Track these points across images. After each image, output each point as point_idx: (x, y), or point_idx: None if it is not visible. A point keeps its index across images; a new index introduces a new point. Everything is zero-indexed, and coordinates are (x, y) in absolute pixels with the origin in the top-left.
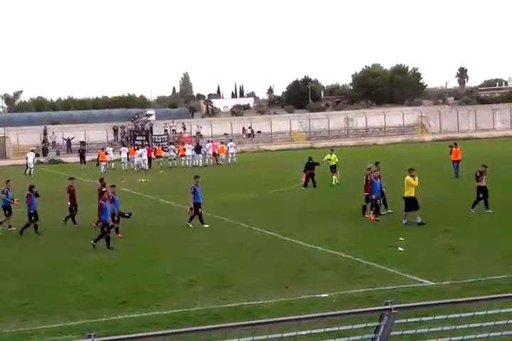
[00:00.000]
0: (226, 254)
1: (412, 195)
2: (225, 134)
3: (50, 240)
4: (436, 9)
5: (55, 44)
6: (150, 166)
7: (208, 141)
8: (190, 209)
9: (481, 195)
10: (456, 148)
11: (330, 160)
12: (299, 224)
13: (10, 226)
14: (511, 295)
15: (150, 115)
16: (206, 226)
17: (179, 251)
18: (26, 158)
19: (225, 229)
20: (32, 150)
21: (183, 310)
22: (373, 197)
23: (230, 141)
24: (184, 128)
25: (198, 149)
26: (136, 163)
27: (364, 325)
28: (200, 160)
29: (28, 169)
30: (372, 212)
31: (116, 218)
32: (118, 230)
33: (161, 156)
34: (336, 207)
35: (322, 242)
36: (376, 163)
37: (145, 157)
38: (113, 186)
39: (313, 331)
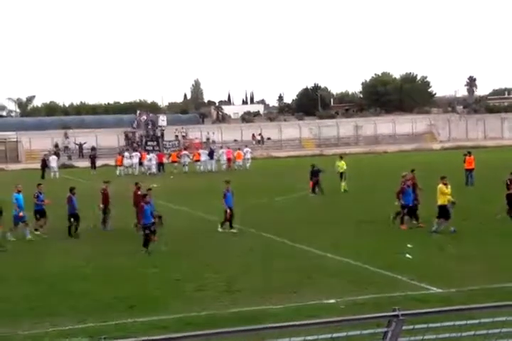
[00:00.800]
0: (235, 259)
1: (445, 203)
2: (235, 140)
3: (62, 245)
4: (445, 18)
5: (68, 50)
6: (160, 171)
7: (222, 147)
8: (225, 212)
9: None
10: (469, 156)
11: (339, 166)
12: (308, 230)
13: (36, 230)
14: None
15: (150, 114)
16: (235, 231)
17: (189, 256)
18: (45, 161)
19: (234, 235)
20: (55, 153)
21: (191, 314)
22: (407, 205)
23: (246, 146)
24: (185, 135)
25: (211, 154)
26: (146, 167)
27: (372, 331)
28: (214, 166)
29: (53, 172)
30: (400, 220)
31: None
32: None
33: (176, 161)
34: (344, 214)
35: (331, 248)
36: (412, 171)
37: (154, 161)
38: (149, 189)
39: (321, 336)
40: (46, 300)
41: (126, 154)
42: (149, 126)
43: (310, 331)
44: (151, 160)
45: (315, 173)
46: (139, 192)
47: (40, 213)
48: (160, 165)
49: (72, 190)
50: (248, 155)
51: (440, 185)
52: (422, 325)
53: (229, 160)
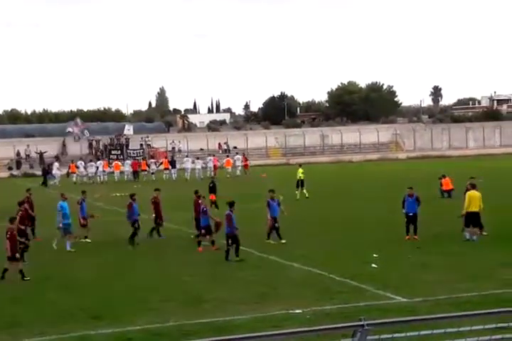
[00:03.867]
0: (202, 270)
1: (473, 210)
2: (201, 149)
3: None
4: (411, 28)
5: (29, 56)
6: (135, 179)
7: (209, 155)
8: (269, 220)
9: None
10: (445, 178)
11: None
12: (273, 240)
13: (85, 237)
14: (481, 312)
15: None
16: (283, 241)
17: (155, 267)
18: (46, 169)
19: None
20: (56, 158)
21: (157, 325)
22: (407, 213)
23: (237, 154)
24: (150, 143)
25: (172, 164)
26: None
27: None
28: (174, 175)
29: (56, 179)
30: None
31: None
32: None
33: (145, 170)
34: (309, 224)
35: (297, 258)
36: (471, 178)
37: (128, 168)
38: (203, 197)
39: None
40: (7, 309)
41: (79, 163)
42: (84, 136)
43: None
44: (125, 166)
45: (213, 188)
46: (200, 201)
47: (84, 219)
48: (135, 173)
49: (132, 196)
50: (238, 163)
51: (470, 192)
52: (387, 334)
53: (215, 167)
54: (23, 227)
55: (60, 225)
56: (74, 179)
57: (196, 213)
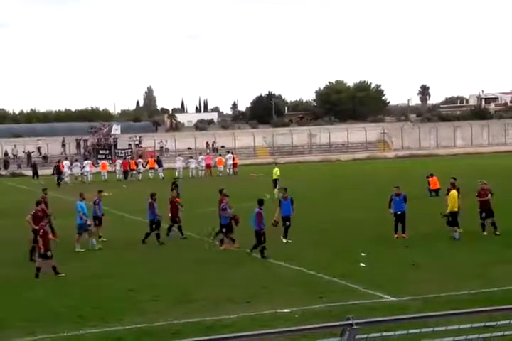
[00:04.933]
0: (190, 269)
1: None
2: (189, 149)
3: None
4: (398, 27)
5: (17, 56)
6: (126, 178)
7: (201, 153)
8: (275, 221)
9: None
10: (432, 177)
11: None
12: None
13: (100, 236)
14: (470, 311)
15: (110, 127)
16: (289, 241)
17: (144, 266)
18: (58, 168)
19: (190, 245)
20: (66, 158)
21: (145, 325)
22: (395, 212)
23: (228, 152)
24: (140, 142)
25: (159, 163)
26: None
27: (325, 340)
28: (161, 174)
29: (66, 178)
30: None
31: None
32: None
33: (134, 169)
34: (297, 223)
35: (285, 258)
36: (452, 178)
37: (120, 168)
38: (227, 196)
39: None
40: None
41: (65, 162)
42: (101, 136)
43: None
44: (116, 166)
45: (175, 188)
46: (222, 199)
47: (99, 219)
48: (125, 172)
49: (153, 196)
50: (230, 161)
51: (453, 192)
52: (376, 333)
53: (208, 166)
54: (36, 227)
55: (89, 223)
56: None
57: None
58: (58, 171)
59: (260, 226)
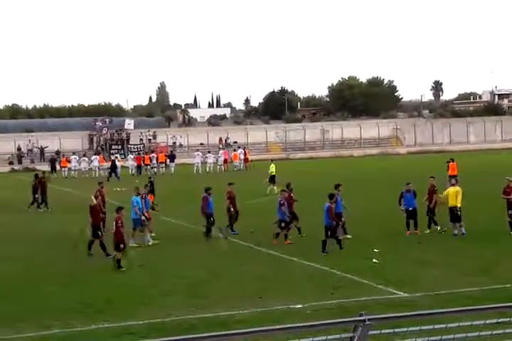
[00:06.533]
0: (202, 265)
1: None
2: (201, 144)
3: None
4: (412, 23)
5: (30, 51)
6: (140, 173)
7: (219, 148)
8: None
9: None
10: (452, 162)
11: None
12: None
13: (150, 231)
14: (482, 307)
15: (111, 121)
16: (349, 236)
17: (156, 262)
18: (53, 163)
19: (201, 240)
20: (74, 153)
21: (158, 320)
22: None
23: (239, 148)
24: (154, 137)
25: (171, 158)
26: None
27: (338, 336)
28: (173, 169)
29: (73, 172)
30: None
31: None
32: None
33: (148, 164)
34: (308, 219)
35: (298, 253)
36: (431, 177)
37: (133, 163)
38: (283, 190)
39: None
40: (9, 304)
41: (72, 157)
42: (109, 131)
43: (276, 336)
44: (130, 161)
45: (151, 189)
46: (292, 195)
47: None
48: (138, 167)
49: (207, 190)
50: (241, 156)
51: (458, 188)
52: (388, 329)
53: (225, 161)
54: (94, 220)
55: (143, 218)
56: (64, 174)
57: (289, 207)
58: (53, 166)
59: (329, 222)
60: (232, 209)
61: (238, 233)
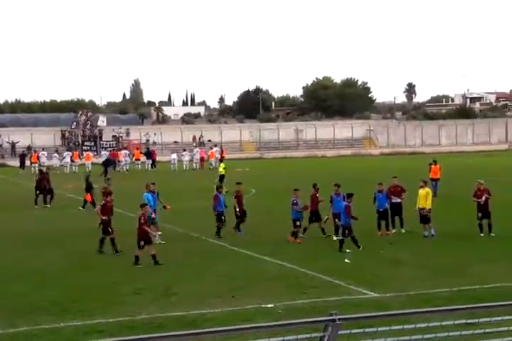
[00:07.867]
0: (174, 263)
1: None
2: (175, 142)
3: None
4: (386, 25)
5: (1, 46)
6: (114, 170)
7: (195, 146)
8: (327, 219)
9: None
10: (435, 165)
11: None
12: (248, 234)
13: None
14: (452, 308)
15: (93, 116)
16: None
17: (126, 260)
18: (23, 159)
19: (173, 238)
20: (43, 149)
21: (127, 318)
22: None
23: (215, 146)
24: (127, 134)
25: (148, 155)
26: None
27: (308, 336)
28: (148, 166)
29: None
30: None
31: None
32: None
33: (120, 161)
34: (279, 218)
35: (269, 252)
36: (393, 177)
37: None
38: (296, 190)
39: None
40: None
41: (41, 153)
42: (88, 127)
43: (246, 336)
44: (104, 158)
45: (88, 187)
46: (317, 194)
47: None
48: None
49: (218, 188)
50: (217, 155)
51: (427, 189)
52: (358, 329)
53: (202, 159)
54: (105, 218)
55: (153, 216)
56: (32, 170)
57: (314, 206)
58: (22, 161)
59: (346, 221)
60: (237, 209)
61: (243, 233)
